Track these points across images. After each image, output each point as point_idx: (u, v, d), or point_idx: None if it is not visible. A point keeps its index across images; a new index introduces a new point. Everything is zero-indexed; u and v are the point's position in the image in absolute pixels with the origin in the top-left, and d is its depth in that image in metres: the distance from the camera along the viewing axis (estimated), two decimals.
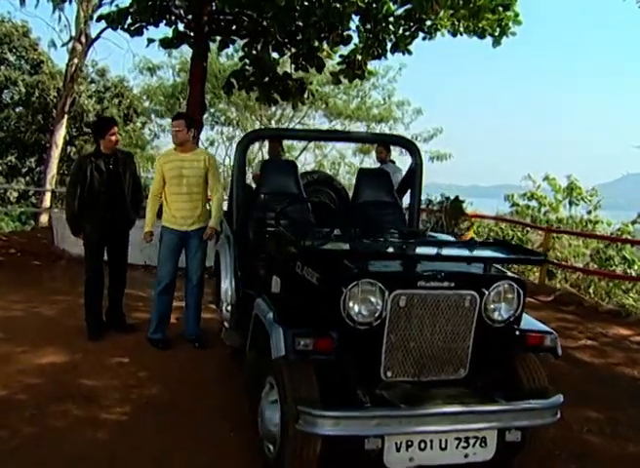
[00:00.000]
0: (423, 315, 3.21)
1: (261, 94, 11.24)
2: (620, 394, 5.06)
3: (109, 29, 14.17)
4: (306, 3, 9.54)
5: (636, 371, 5.70)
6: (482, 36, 10.83)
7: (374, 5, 9.86)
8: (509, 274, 3.44)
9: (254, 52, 10.82)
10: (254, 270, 4.63)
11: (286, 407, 3.11)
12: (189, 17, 10.03)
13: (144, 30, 10.06)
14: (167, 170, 5.18)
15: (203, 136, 21.77)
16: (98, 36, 16.81)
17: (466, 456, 3.16)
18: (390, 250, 3.49)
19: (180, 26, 10.24)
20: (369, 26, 10.65)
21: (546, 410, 3.30)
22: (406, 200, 5.41)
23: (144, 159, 20.52)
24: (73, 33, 17.01)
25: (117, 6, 10.07)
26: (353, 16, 10.03)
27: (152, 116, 21.96)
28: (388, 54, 10.87)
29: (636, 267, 12.87)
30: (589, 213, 16.27)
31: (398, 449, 3.06)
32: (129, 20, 9.75)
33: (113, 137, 5.36)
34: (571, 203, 16.75)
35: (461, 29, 10.87)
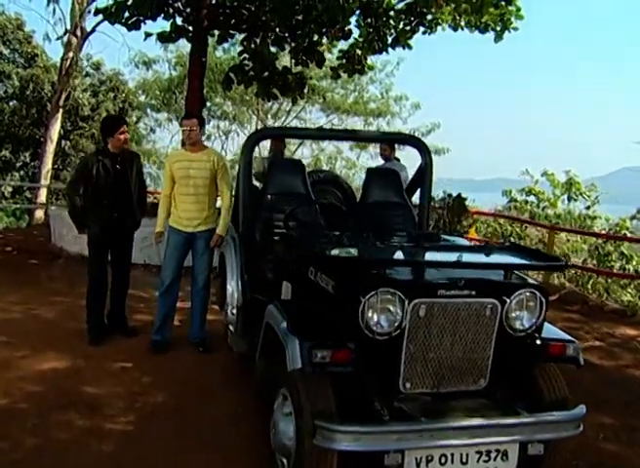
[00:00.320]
0: (443, 324, 3.10)
1: (261, 89, 11.09)
2: (634, 398, 4.96)
3: (105, 22, 14.01)
4: None
5: None
6: (483, 31, 10.72)
7: None
8: (531, 281, 3.33)
9: (252, 46, 10.69)
10: (261, 273, 4.50)
11: (302, 420, 2.99)
12: (188, 10, 9.87)
13: (142, 24, 9.88)
14: (175, 170, 5.06)
15: None
16: (93, 29, 16.65)
17: None
18: (409, 256, 3.37)
19: (179, 20, 10.06)
20: (369, 21, 10.55)
21: (569, 423, 3.19)
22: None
23: (141, 154, 20.31)
24: (68, 26, 16.82)
25: None
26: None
27: (148, 110, 21.74)
28: (389, 49, 10.81)
29: (634, 263, 12.85)
30: (588, 208, 16.24)
31: (418, 464, 2.95)
32: (126, 14, 9.58)
33: (122, 136, 5.23)
34: (569, 198, 16.70)
35: (462, 24, 10.76)
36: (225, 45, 17.72)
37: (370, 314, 2.98)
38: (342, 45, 11.74)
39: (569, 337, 3.45)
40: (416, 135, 21.93)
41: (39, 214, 16.46)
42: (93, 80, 21.77)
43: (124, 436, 3.80)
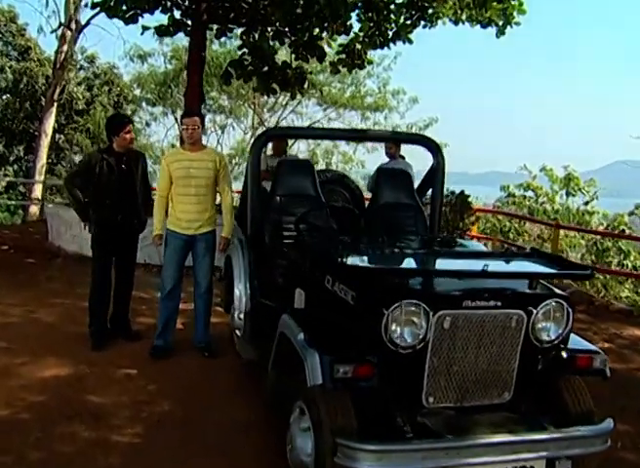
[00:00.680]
0: (468, 337, 2.98)
1: (260, 83, 10.91)
2: None
3: (100, 15, 13.78)
4: None
5: None
6: (485, 26, 10.60)
7: None
8: (557, 291, 3.20)
9: (252, 40, 10.52)
10: (271, 278, 4.37)
11: (321, 437, 2.87)
12: (186, 3, 9.68)
13: (139, 18, 9.69)
14: (174, 169, 4.86)
15: None
16: (88, 22, 16.39)
17: None
18: (431, 265, 3.24)
19: (177, 14, 9.86)
20: (370, 15, 10.40)
21: (597, 438, 3.09)
22: None
23: (138, 149, 20.09)
24: (62, 19, 16.55)
25: None
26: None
27: (143, 104, 21.51)
28: (390, 44, 10.67)
29: (632, 258, 12.82)
30: (586, 204, 16.19)
31: None
32: (123, 7, 9.39)
33: (128, 136, 5.08)
34: (568, 194, 16.65)
35: (463, 18, 10.64)
36: (222, 38, 17.50)
37: (393, 327, 2.86)
38: (341, 39, 11.61)
39: (595, 348, 3.35)
40: (414, 129, 21.87)
41: (34, 209, 16.27)
42: (87, 73, 21.50)
43: (131, 448, 3.66)
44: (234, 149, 22.62)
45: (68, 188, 5.22)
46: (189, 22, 9.86)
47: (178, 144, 22.60)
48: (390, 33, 10.57)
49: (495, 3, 10.11)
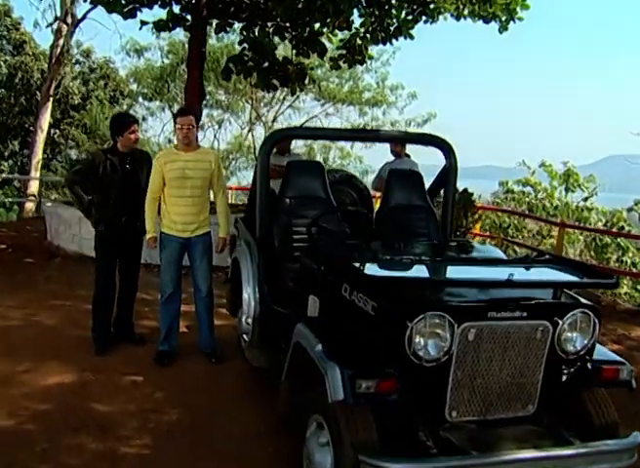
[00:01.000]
0: (492, 348, 2.89)
1: (260, 79, 10.77)
2: None
3: (96, 9, 13.60)
4: None
5: None
6: (487, 21, 10.49)
7: None
8: (583, 301, 3.10)
9: (252, 36, 10.38)
10: (281, 283, 4.26)
11: (342, 454, 2.77)
12: None
13: (138, 12, 9.53)
14: (168, 170, 4.68)
15: None
16: (84, 16, 16.22)
17: None
18: (452, 273, 3.13)
19: (176, 8, 9.71)
20: (372, 10, 10.26)
21: (625, 452, 2.99)
22: None
23: None
24: (58, 13, 16.37)
25: None
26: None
27: (140, 99, 21.32)
28: (392, 39, 10.54)
29: (630, 254, 12.78)
30: (586, 200, 16.15)
31: None
32: (122, 2, 9.23)
33: (133, 136, 4.93)
34: (567, 190, 16.61)
35: (465, 13, 10.52)
36: (221, 33, 17.33)
37: (417, 340, 2.76)
38: (342, 35, 11.48)
39: (620, 359, 3.24)
40: (412, 124, 21.77)
41: (29, 205, 16.13)
42: (83, 68, 21.31)
43: (140, 459, 3.56)
44: (231, 144, 22.46)
45: (70, 187, 5.09)
46: (189, 17, 9.74)
47: (175, 140, 22.50)
48: (392, 29, 10.47)
49: None
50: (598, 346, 3.24)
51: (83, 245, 8.16)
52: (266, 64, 10.46)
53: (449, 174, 4.78)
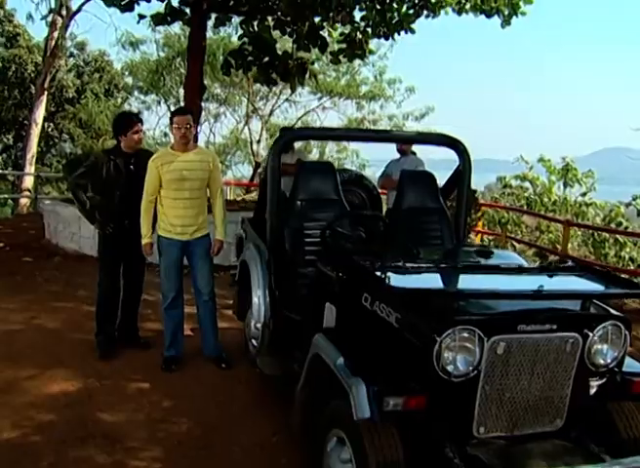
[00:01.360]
0: (521, 362, 2.78)
1: (260, 74, 10.64)
2: None
3: (91, 1, 13.41)
4: None
5: None
6: (489, 15, 10.37)
7: None
8: (614, 312, 3.00)
9: (252, 30, 10.23)
10: (294, 288, 4.14)
11: None
12: None
13: (135, 5, 9.36)
14: (165, 172, 4.52)
15: None
16: (79, 9, 15.98)
17: None
18: (481, 284, 3.02)
19: (174, 1, 9.53)
20: (373, 3, 10.12)
21: None
22: None
23: None
24: (53, 5, 16.13)
25: None
26: None
27: (135, 92, 21.06)
28: (394, 34, 10.40)
29: (628, 249, 12.75)
30: (584, 195, 16.11)
31: None
32: None
33: (136, 136, 4.80)
34: (565, 185, 16.56)
35: (467, 7, 10.39)
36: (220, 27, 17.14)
37: (446, 355, 2.64)
38: (342, 29, 11.33)
39: None
40: (410, 118, 21.64)
41: (24, 200, 15.94)
42: (77, 60, 21.07)
43: None
44: (228, 139, 22.25)
45: (74, 191, 4.94)
46: (187, 11, 9.57)
47: (171, 134, 22.30)
48: (393, 23, 10.32)
49: None
50: (628, 358, 3.14)
51: (82, 243, 8.04)
52: (267, 59, 10.33)
53: (462, 175, 4.67)
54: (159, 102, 20.97)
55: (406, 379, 2.68)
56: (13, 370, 4.54)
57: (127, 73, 20.58)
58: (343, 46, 10.85)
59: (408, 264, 3.15)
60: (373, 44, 17.50)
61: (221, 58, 18.43)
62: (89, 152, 16.00)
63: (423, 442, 2.78)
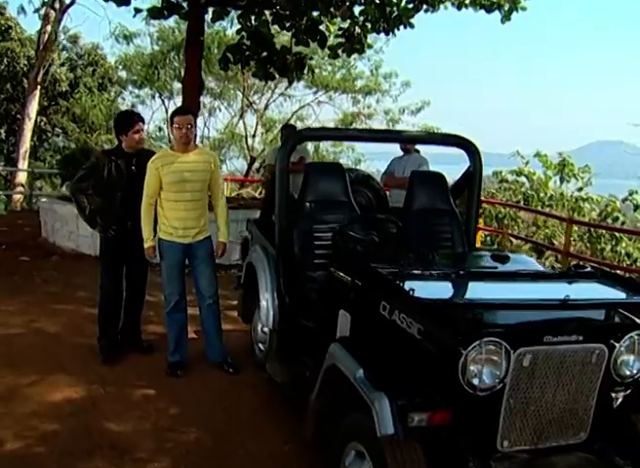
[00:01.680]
0: (547, 374, 2.69)
1: (259, 69, 10.51)
2: None
3: None
4: None
5: None
6: (490, 10, 10.27)
7: None
8: None
9: (250, 24, 10.09)
10: (303, 293, 4.05)
11: None
12: None
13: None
14: (165, 174, 4.40)
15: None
16: (72, 2, 15.75)
17: None
18: (504, 293, 2.93)
19: None
20: None
21: None
22: None
23: None
24: None
25: None
26: None
27: (129, 86, 20.85)
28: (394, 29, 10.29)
29: (624, 244, 12.74)
30: (580, 190, 16.12)
31: None
32: None
33: (137, 136, 4.67)
34: (562, 180, 16.56)
35: (467, 2, 10.29)
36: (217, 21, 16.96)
37: (472, 368, 2.54)
38: (341, 23, 11.21)
39: None
40: (406, 113, 21.52)
41: (18, 195, 15.78)
42: (70, 54, 20.82)
43: None
44: (223, 133, 22.08)
45: (74, 195, 4.82)
46: (184, 4, 9.42)
47: (165, 128, 22.16)
48: (393, 17, 10.21)
49: None
50: None
51: (80, 242, 7.92)
52: (265, 54, 10.20)
53: (473, 176, 4.58)
54: (153, 96, 20.81)
55: (430, 394, 2.59)
56: (14, 376, 4.42)
57: (121, 67, 20.38)
58: (342, 40, 10.74)
59: (427, 271, 3.07)
60: (369, 38, 17.41)
61: (216, 51, 18.34)
62: (83, 147, 15.82)
63: (446, 456, 2.70)
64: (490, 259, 3.66)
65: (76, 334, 5.25)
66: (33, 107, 16.53)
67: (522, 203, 14.80)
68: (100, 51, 20.76)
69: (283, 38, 13.34)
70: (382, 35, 11.50)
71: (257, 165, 20.78)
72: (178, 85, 19.99)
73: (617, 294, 3.07)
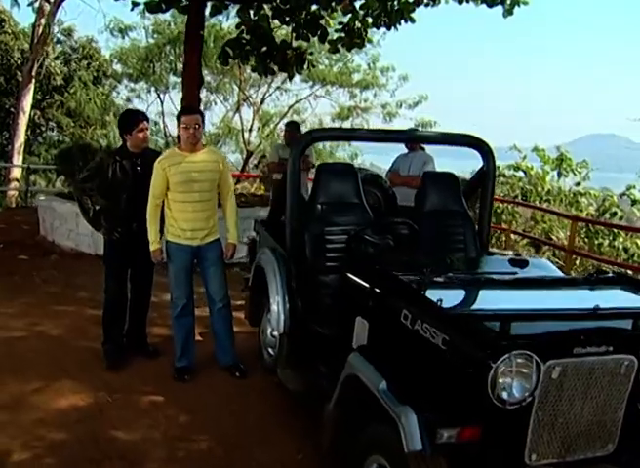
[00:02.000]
0: (576, 386, 2.62)
1: (258, 64, 10.37)
2: None
3: None
4: None
5: None
6: (491, 4, 10.15)
7: None
8: None
9: (249, 18, 9.95)
10: (315, 298, 3.96)
11: None
12: None
13: None
14: (172, 174, 4.30)
15: (178, 101, 20.70)
16: None
17: None
18: (531, 303, 2.85)
19: None
20: None
21: None
22: None
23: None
24: None
25: None
26: None
27: (124, 80, 20.64)
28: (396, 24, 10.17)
29: (621, 239, 12.73)
30: (578, 184, 16.13)
31: None
32: None
33: (141, 134, 4.55)
34: (559, 174, 16.57)
35: None
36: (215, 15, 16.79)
37: (501, 381, 2.47)
38: (340, 18, 11.09)
39: None
40: (403, 107, 21.41)
41: (12, 191, 15.61)
42: (64, 47, 20.57)
43: None
44: (219, 127, 21.92)
45: (77, 196, 4.72)
46: None
47: (160, 121, 21.99)
48: (394, 11, 10.09)
49: None
50: None
51: (79, 241, 7.80)
52: (265, 49, 10.07)
53: (486, 177, 4.50)
54: (149, 90, 20.61)
55: (458, 408, 2.51)
56: (18, 382, 4.30)
57: (116, 61, 20.17)
58: (342, 35, 10.62)
59: (448, 279, 2.98)
60: (369, 32, 17.27)
61: (212, 45, 18.17)
62: (80, 142, 15.63)
63: None
64: (508, 264, 3.58)
65: (79, 338, 5.14)
66: (28, 101, 16.33)
67: (520, 198, 14.79)
68: (95, 44, 20.54)
69: (281, 32, 13.19)
70: (377, 28, 11.50)
71: (253, 160, 20.67)
72: (173, 78, 19.85)
73: None
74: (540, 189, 15.76)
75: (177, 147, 4.54)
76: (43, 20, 15.78)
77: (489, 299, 2.95)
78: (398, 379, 2.72)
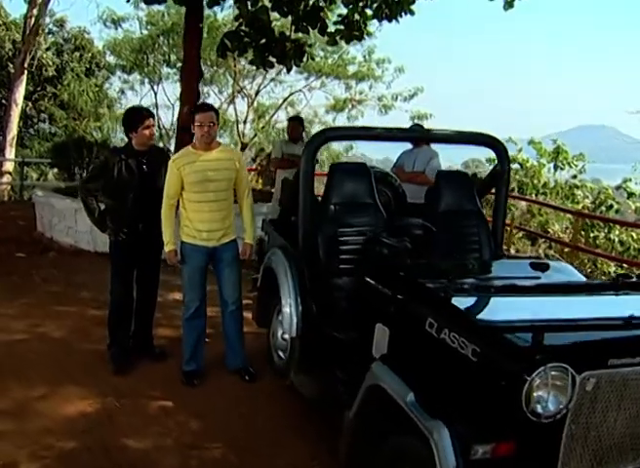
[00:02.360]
0: (609, 398, 2.55)
1: (257, 56, 10.22)
2: None
3: None
4: None
5: None
6: None
7: None
8: None
9: (247, 10, 9.79)
10: (329, 301, 3.87)
11: None
12: None
13: None
14: (187, 174, 4.19)
15: (171, 93, 20.50)
16: None
17: None
18: (561, 311, 2.77)
19: None
20: None
21: None
22: None
23: (113, 120, 19.01)
24: None
25: None
26: None
27: (118, 71, 20.38)
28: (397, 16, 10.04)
29: (617, 232, 12.72)
30: (574, 177, 16.14)
31: None
32: None
33: (147, 131, 4.42)
34: (556, 167, 16.58)
35: None
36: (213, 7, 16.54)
37: (536, 395, 2.39)
38: (339, 10, 10.96)
39: None
40: (399, 99, 21.28)
41: (5, 184, 15.42)
42: (56, 38, 20.29)
43: None
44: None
45: (82, 197, 4.59)
46: None
47: (155, 113, 21.73)
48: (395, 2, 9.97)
49: None
50: None
51: (78, 238, 7.68)
52: (263, 41, 9.93)
53: (501, 177, 4.42)
54: (142, 82, 20.37)
55: (491, 422, 2.42)
56: (21, 388, 4.18)
57: (109, 52, 19.89)
58: (341, 27, 10.49)
59: (474, 285, 2.89)
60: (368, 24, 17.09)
61: (206, 36, 17.95)
62: (75, 135, 15.44)
63: None
64: (529, 268, 3.49)
65: (83, 340, 5.03)
66: (20, 93, 16.11)
67: (516, 191, 14.77)
68: (88, 35, 20.25)
69: (279, 24, 13.05)
70: (375, 20, 11.36)
71: (248, 152, 20.50)
72: (167, 70, 19.65)
73: None
74: (535, 182, 15.76)
75: (191, 146, 4.42)
76: (35, 11, 15.53)
77: (517, 307, 2.86)
78: (425, 391, 2.63)
